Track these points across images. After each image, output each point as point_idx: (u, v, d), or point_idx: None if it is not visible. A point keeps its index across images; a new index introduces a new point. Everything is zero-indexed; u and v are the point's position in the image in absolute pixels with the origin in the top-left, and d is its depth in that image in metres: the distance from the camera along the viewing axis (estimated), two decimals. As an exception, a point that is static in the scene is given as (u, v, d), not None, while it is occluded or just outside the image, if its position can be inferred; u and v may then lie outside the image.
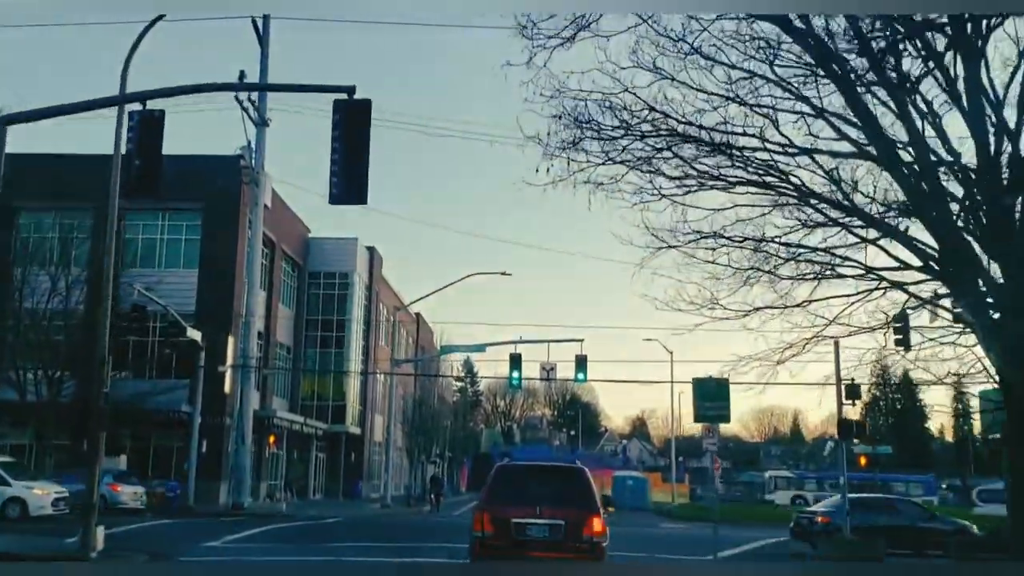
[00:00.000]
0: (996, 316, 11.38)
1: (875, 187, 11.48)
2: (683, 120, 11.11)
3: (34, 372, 34.11)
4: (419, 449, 54.28)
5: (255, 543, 20.66)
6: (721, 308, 12.30)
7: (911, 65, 10.92)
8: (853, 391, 19.68)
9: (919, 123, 11.23)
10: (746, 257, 12.10)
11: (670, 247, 12.40)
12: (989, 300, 11.42)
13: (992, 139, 11.17)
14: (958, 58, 10.76)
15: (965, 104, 10.76)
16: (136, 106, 13.22)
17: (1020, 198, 11.09)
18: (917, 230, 12.03)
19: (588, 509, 12.36)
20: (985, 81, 10.98)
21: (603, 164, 11.28)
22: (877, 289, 12.12)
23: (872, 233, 11.70)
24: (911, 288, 12.09)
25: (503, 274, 41.03)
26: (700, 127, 11.10)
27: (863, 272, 11.93)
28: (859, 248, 11.91)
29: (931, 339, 13.76)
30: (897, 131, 11.10)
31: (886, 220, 11.45)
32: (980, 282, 11.45)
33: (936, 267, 11.15)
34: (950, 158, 11.03)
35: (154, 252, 39.88)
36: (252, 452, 41.98)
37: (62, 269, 35.23)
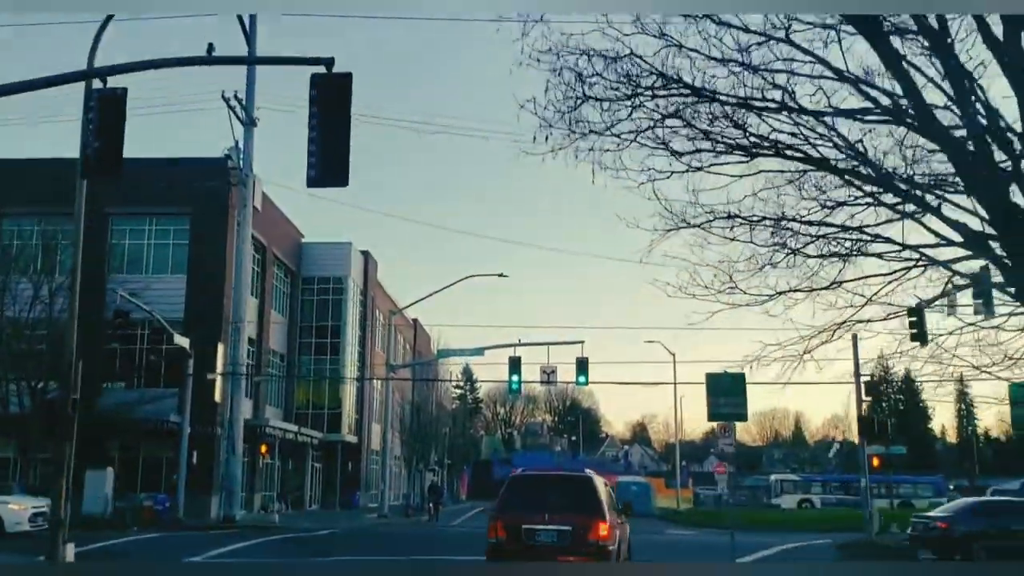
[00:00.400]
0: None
1: (907, 156, 10.39)
2: (692, 86, 9.99)
3: (16, 383, 32.94)
4: (417, 457, 53.09)
5: (241, 558, 19.52)
6: (740, 293, 11.24)
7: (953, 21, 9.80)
8: (873, 388, 18.56)
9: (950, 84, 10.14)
10: (767, 236, 11.02)
11: (682, 227, 11.29)
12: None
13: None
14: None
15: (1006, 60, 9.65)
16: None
17: None
18: (950, 206, 10.95)
19: (595, 515, 12.94)
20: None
21: (607, 132, 10.17)
22: (916, 266, 10.99)
23: (906, 208, 10.58)
24: (954, 266, 10.97)
25: (500, 275, 39.88)
26: (713, 92, 9.98)
27: (898, 249, 10.83)
28: (893, 224, 10.83)
29: (972, 324, 12.62)
30: (929, 95, 10.02)
31: (925, 191, 10.32)
32: None
33: (984, 241, 10.03)
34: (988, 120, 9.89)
35: (141, 258, 38.75)
36: (245, 463, 40.83)
37: (45, 276, 34.09)
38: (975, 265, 11.24)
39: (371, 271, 55.31)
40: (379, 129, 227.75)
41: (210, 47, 11.95)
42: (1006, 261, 9.74)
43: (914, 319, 21.96)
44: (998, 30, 9.79)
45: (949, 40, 9.39)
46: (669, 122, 10.29)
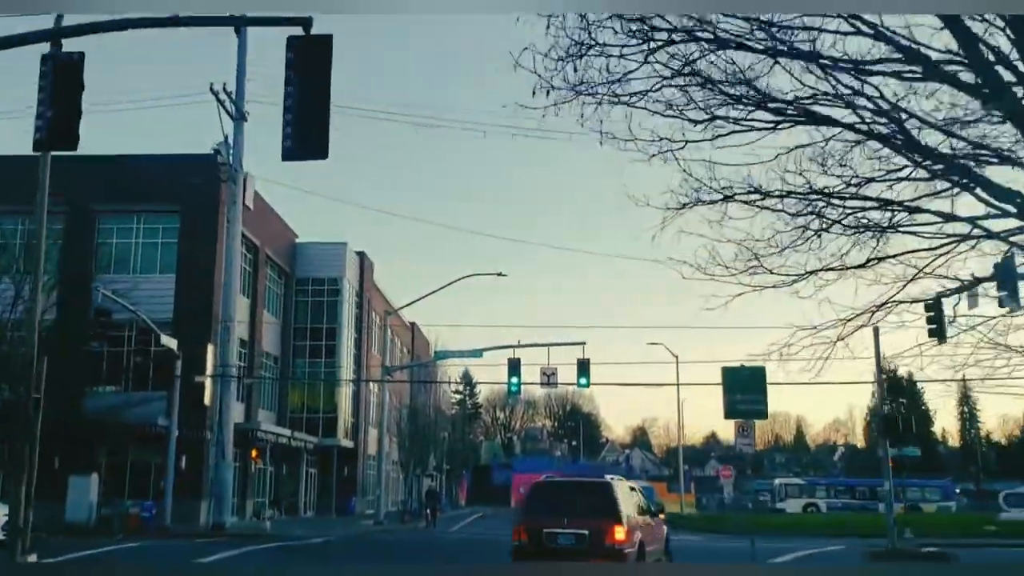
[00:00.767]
0: None
1: (955, 120, 9.26)
2: (715, 34, 8.86)
3: (-1, 386, 31.78)
4: (415, 462, 51.89)
5: (224, 566, 18.40)
6: (766, 273, 10.10)
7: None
8: (897, 385, 17.37)
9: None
10: (795, 210, 9.87)
11: (700, 203, 10.17)
12: None
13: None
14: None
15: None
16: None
17: None
18: (1003, 174, 9.82)
19: (611, 519, 13.50)
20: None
21: (615, 85, 9.07)
22: (966, 239, 9.84)
23: (952, 178, 9.46)
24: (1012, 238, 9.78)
25: (499, 275, 38.75)
26: (737, 38, 8.85)
27: (942, 221, 9.70)
28: (937, 196, 9.69)
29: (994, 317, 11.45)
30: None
31: (975, 159, 9.21)
32: None
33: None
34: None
35: (129, 257, 37.62)
36: (236, 468, 39.64)
37: (27, 276, 32.93)
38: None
39: (367, 272, 54.19)
40: (374, 125, 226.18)
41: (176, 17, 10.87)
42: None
43: (931, 314, 20.89)
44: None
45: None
46: (685, 80, 9.17)
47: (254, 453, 37.68)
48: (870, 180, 10.43)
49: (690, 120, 10.42)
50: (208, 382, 32.88)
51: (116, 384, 36.32)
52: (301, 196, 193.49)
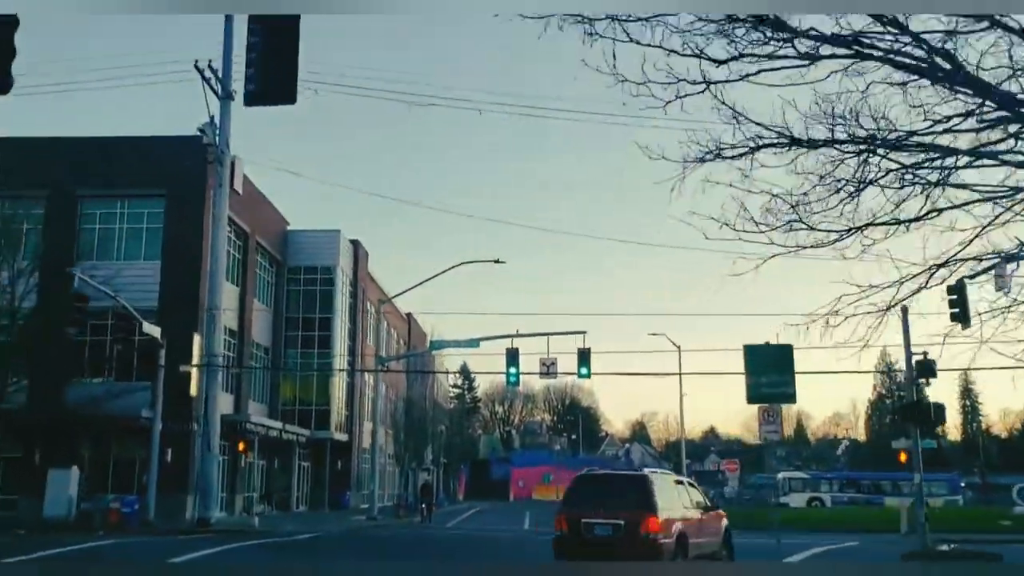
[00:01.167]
0: None
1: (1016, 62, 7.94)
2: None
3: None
4: (410, 455, 50.59)
5: (201, 567, 17.11)
6: (805, 229, 8.70)
7: None
8: (926, 367, 15.99)
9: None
10: (838, 159, 8.54)
11: (722, 156, 8.84)
12: None
13: None
14: None
15: None
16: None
17: None
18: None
19: (646, 510, 13.93)
20: None
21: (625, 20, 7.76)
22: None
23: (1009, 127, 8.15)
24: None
25: (496, 262, 37.39)
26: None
27: (1014, 164, 8.34)
28: (1002, 143, 8.33)
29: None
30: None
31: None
32: None
33: None
34: None
35: (112, 243, 36.27)
36: (225, 461, 38.41)
37: (4, 262, 31.66)
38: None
39: (361, 261, 52.84)
40: (366, 103, 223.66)
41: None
42: None
43: (954, 296, 19.55)
44: None
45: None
46: (704, 7, 7.84)
47: (242, 446, 36.38)
48: (932, 126, 9.03)
49: (711, 60, 9.12)
50: (194, 372, 31.58)
51: (99, 375, 34.99)
52: (293, 183, 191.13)
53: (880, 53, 8.11)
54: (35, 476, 32.00)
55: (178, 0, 9.91)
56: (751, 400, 14.33)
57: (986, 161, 9.10)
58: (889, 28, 8.28)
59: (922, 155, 8.50)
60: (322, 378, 47.45)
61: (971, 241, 8.97)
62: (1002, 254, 10.02)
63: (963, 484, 70.32)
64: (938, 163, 8.51)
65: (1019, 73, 8.54)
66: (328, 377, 47.36)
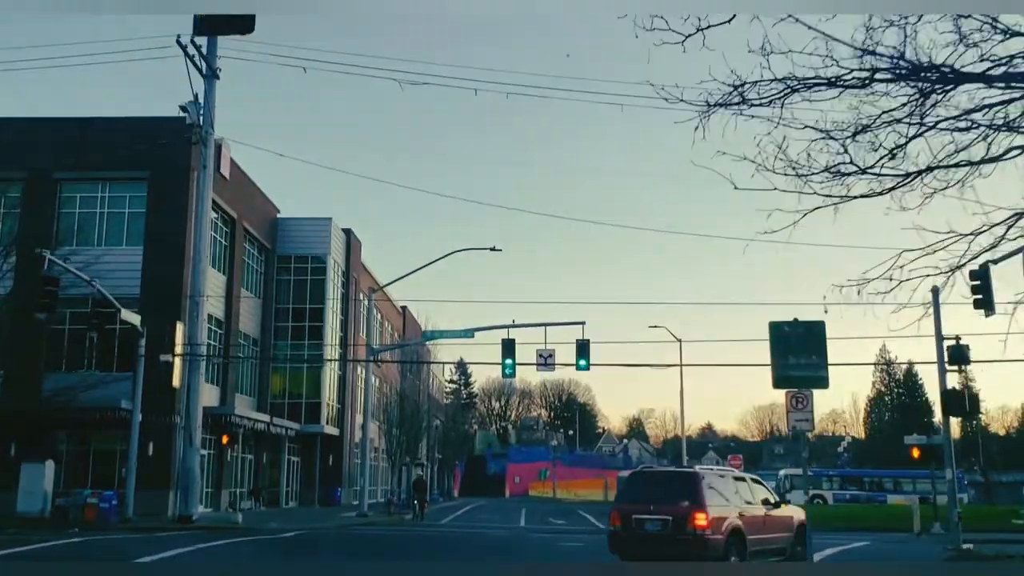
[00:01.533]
0: None
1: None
2: None
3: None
4: (402, 450, 49.23)
5: (164, 568, 15.79)
6: (855, 173, 7.27)
7: None
8: (959, 354, 14.65)
9: None
10: (884, 93, 7.20)
11: (743, 100, 7.53)
12: None
13: None
14: None
15: None
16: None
17: None
18: None
19: (694, 505, 14.04)
20: None
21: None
22: None
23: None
24: None
25: (492, 249, 35.97)
26: None
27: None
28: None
29: None
30: None
31: None
32: None
33: None
34: None
35: (93, 228, 34.84)
36: (211, 456, 37.10)
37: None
38: None
39: (354, 250, 51.48)
40: (357, 82, 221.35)
41: None
42: None
43: (978, 282, 18.24)
44: None
45: None
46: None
47: (225, 439, 35.02)
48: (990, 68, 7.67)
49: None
50: (177, 362, 30.23)
51: (79, 365, 33.59)
52: (284, 171, 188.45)
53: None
54: (9, 470, 30.63)
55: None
56: (777, 384, 12.82)
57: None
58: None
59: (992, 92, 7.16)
60: (312, 371, 46.11)
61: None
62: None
63: (966, 482, 69.29)
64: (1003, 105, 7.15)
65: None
66: (319, 370, 46.02)
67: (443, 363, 67.83)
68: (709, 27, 8.07)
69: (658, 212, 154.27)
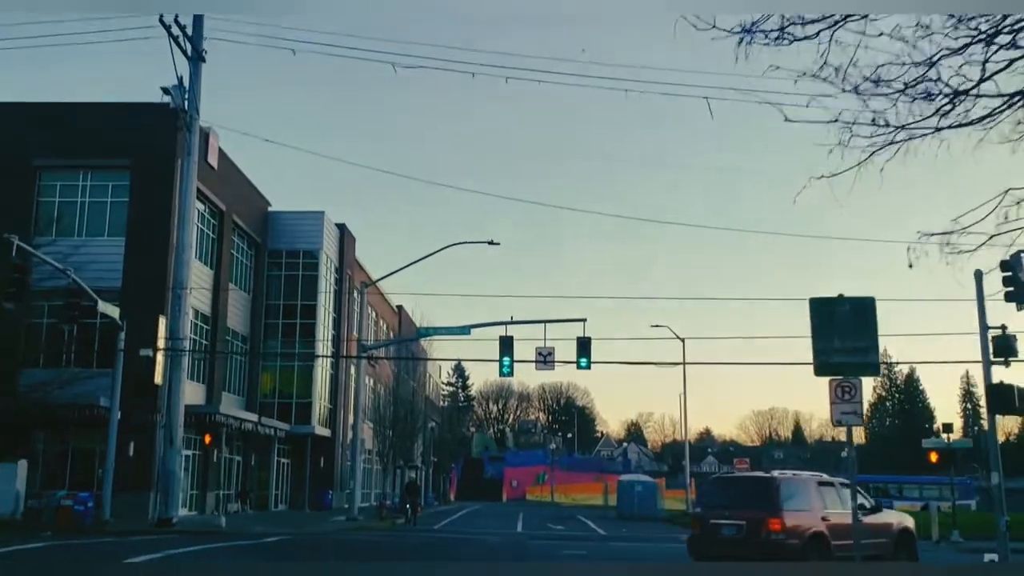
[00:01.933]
0: None
1: None
2: None
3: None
4: (395, 452, 47.75)
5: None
6: (949, 97, 5.81)
7: None
8: (1005, 346, 13.28)
9: None
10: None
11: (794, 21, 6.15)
12: None
13: None
14: None
15: None
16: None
17: None
18: None
19: (768, 511, 14.11)
20: None
21: None
22: None
23: None
24: None
25: (490, 243, 34.63)
26: None
27: None
28: None
29: None
30: None
31: None
32: None
33: None
34: None
35: (74, 217, 33.42)
36: (196, 456, 35.67)
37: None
38: None
39: (348, 246, 50.07)
40: (350, 66, 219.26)
41: None
42: None
43: (1008, 273, 16.91)
44: None
45: None
46: None
47: (207, 439, 33.58)
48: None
49: None
50: (159, 358, 28.80)
51: (58, 361, 32.15)
52: (274, 160, 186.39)
53: None
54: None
55: None
56: (819, 371, 11.25)
57: None
58: None
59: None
60: (304, 369, 44.69)
61: None
62: None
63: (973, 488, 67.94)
64: None
65: None
66: (310, 368, 44.60)
67: (439, 359, 66.20)
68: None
69: (697, 208, 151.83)
